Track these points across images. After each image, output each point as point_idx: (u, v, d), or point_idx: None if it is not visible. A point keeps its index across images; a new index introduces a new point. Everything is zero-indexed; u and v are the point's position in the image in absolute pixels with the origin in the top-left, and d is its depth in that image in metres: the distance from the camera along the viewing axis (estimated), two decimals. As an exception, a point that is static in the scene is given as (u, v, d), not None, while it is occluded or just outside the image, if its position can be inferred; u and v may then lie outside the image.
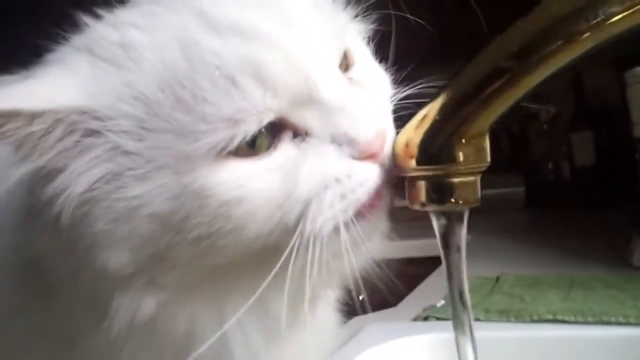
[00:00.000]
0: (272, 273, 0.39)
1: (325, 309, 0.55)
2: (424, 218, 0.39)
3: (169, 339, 0.41)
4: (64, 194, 0.38)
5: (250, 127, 0.38)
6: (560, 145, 2.04)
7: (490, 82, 0.35)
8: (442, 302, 1.00)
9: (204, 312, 0.41)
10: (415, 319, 0.91)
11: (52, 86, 0.38)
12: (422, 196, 0.38)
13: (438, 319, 0.91)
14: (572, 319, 0.85)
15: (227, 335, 0.42)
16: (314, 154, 0.41)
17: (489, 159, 0.38)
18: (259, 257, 0.40)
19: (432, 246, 1.39)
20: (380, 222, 0.44)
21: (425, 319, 0.91)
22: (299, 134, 0.41)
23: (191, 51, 0.38)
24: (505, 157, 2.26)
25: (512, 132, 2.26)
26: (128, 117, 0.38)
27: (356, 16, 0.50)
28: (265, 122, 0.39)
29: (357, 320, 1.02)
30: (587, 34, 0.33)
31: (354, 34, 0.49)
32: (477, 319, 0.90)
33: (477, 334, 0.86)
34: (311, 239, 0.39)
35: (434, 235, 1.40)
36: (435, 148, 0.37)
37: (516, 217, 1.93)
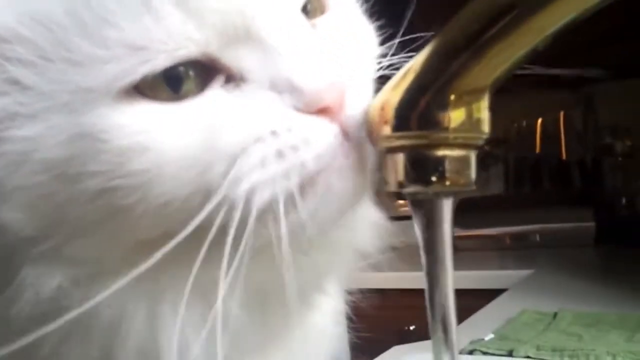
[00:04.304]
0: (180, 237, 0.31)
1: (319, 322, 0.47)
2: (484, 249, 0.31)
3: (91, 325, 0.34)
4: None
5: (161, 58, 0.31)
6: (636, 180, 1.95)
7: (487, 24, 0.26)
8: (492, 336, 0.97)
9: (131, 297, 0.34)
10: (460, 352, 0.87)
11: None
12: (400, 173, 0.30)
13: (484, 353, 0.87)
14: (635, 363, 0.77)
15: (157, 329, 0.35)
16: (246, 101, 0.33)
17: (487, 129, 0.29)
18: (187, 239, 0.32)
19: (491, 278, 1.33)
20: (344, 208, 0.35)
21: (471, 352, 0.88)
22: (232, 79, 0.34)
23: None
24: (575, 190, 2.17)
25: (584, 165, 2.18)
26: (27, 43, 0.32)
27: None
28: (182, 55, 0.32)
29: (397, 349, 0.97)
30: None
31: None
32: (527, 357, 0.86)
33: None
34: (237, 211, 0.32)
35: (493, 267, 1.34)
36: (416, 109, 0.28)
37: (584, 254, 1.84)
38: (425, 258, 0.31)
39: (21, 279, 0.34)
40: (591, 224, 1.93)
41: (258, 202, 0.32)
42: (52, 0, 0.32)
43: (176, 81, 0.33)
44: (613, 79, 1.93)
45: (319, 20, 0.38)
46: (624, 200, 1.96)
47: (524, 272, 1.61)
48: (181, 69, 0.32)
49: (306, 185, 0.33)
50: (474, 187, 0.29)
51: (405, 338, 1.09)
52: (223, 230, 0.32)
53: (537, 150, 2.24)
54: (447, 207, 0.30)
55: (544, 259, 1.80)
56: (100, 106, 0.32)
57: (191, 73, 0.33)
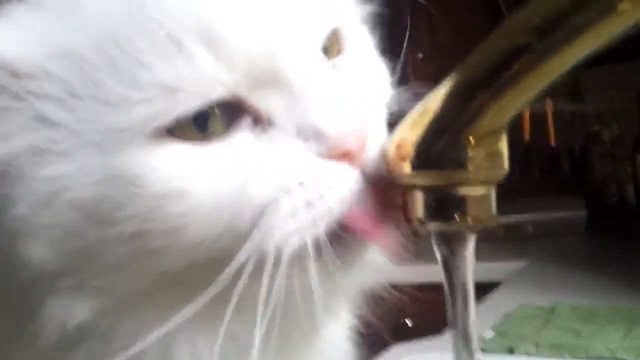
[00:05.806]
0: (214, 289, 0.32)
1: (333, 339, 0.48)
2: (477, 240, 0.31)
3: (113, 355, 0.34)
4: None
5: (193, 100, 0.32)
6: (625, 167, 1.96)
7: (505, 64, 0.27)
8: (492, 333, 0.96)
9: (150, 329, 0.34)
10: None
11: None
12: (419, 211, 0.30)
13: (484, 351, 0.86)
14: (633, 359, 0.79)
15: (173, 354, 0.36)
16: (274, 148, 0.34)
17: (506, 165, 0.30)
18: (213, 266, 0.33)
19: (485, 270, 1.31)
20: (368, 249, 0.36)
21: (472, 350, 0.86)
22: (260, 121, 0.34)
23: (136, 6, 0.32)
24: (565, 178, 2.18)
25: (573, 153, 2.19)
26: (55, 79, 0.32)
27: None
28: (213, 97, 0.32)
29: (397, 348, 0.96)
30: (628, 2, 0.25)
31: (352, 16, 0.42)
32: (528, 353, 0.86)
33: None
34: (269, 258, 0.32)
35: (486, 259, 1.32)
36: (436, 149, 0.28)
37: (576, 243, 1.85)
38: (447, 287, 0.31)
39: (45, 311, 0.34)
40: (582, 213, 1.95)
41: (289, 250, 0.33)
42: (81, 37, 0.32)
43: (202, 120, 0.33)
44: (599, 65, 1.94)
45: (338, 60, 0.39)
46: (613, 188, 1.97)
47: (518, 264, 1.61)
48: (208, 108, 0.33)
49: (332, 231, 0.33)
50: (495, 222, 0.30)
51: (401, 332, 1.09)
52: (241, 270, 0.33)
53: (526, 139, 2.25)
54: (469, 240, 0.31)
55: (537, 250, 1.81)
56: (132, 147, 0.32)
57: (217, 112, 0.33)
